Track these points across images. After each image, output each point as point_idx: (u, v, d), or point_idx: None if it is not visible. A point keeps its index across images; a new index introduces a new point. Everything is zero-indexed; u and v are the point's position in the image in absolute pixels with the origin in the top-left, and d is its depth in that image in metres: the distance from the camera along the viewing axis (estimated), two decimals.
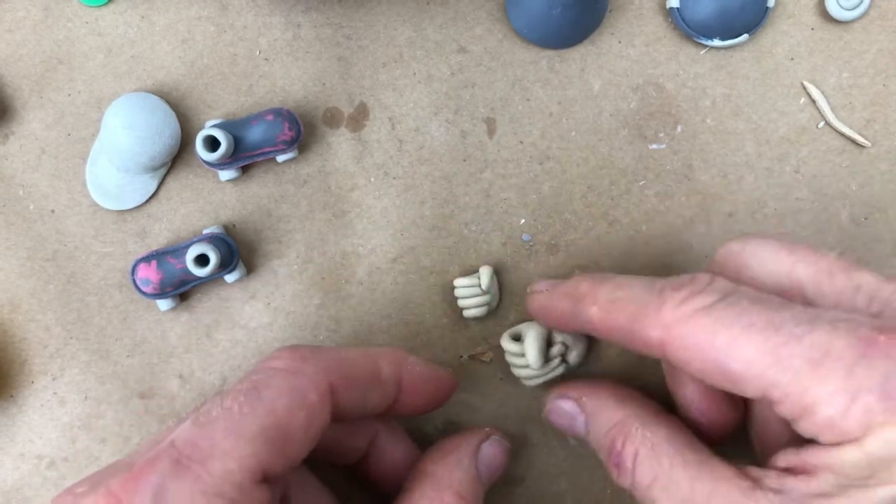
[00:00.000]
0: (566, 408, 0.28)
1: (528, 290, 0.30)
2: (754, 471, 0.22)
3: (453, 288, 0.32)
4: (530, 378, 0.31)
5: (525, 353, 0.30)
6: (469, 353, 0.33)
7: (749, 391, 0.21)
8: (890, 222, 0.33)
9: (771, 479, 0.21)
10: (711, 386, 0.22)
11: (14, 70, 0.32)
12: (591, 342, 0.32)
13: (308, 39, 0.33)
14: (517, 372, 0.31)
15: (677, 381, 0.27)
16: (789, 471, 0.21)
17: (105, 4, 0.32)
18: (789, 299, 0.22)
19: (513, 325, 0.33)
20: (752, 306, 0.21)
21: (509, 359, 0.31)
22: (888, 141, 0.33)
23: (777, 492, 0.21)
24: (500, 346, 0.33)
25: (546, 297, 0.28)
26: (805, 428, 0.20)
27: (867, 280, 0.22)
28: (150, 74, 0.33)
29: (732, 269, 0.24)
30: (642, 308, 0.23)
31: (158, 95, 0.32)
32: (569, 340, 0.31)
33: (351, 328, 0.33)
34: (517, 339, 0.31)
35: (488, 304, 0.32)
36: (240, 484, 0.21)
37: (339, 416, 0.24)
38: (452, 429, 0.33)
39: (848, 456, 0.19)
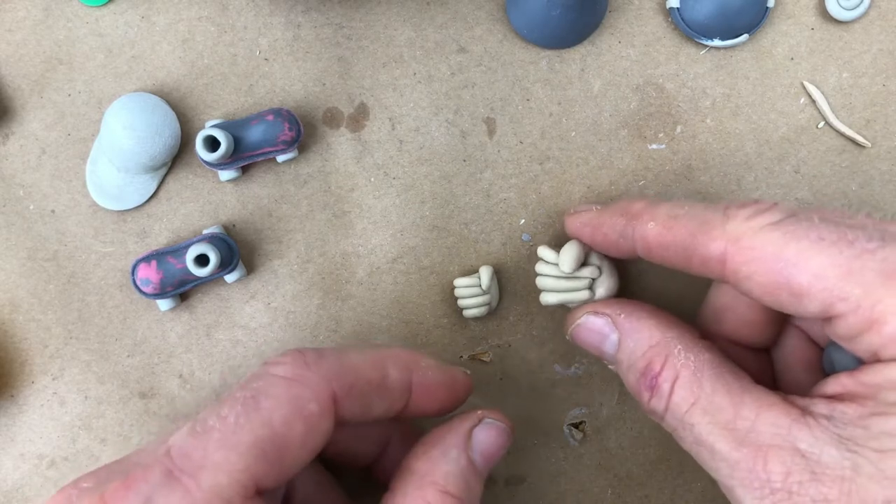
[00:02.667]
0: (598, 324, 0.27)
1: (570, 211, 0.29)
2: (800, 399, 0.22)
3: (453, 288, 0.32)
4: (554, 290, 0.29)
5: (559, 258, 0.28)
6: (469, 353, 0.33)
7: (812, 306, 0.21)
8: None
9: (819, 406, 0.21)
10: (766, 304, 0.22)
11: (14, 70, 0.32)
12: (621, 284, 0.31)
13: (308, 39, 0.33)
14: (542, 282, 0.29)
15: (720, 306, 0.26)
16: (839, 397, 0.21)
17: (105, 4, 0.32)
18: None
19: (513, 325, 0.33)
20: (823, 223, 0.21)
21: (539, 267, 0.30)
22: (888, 141, 0.33)
23: (828, 418, 0.20)
24: (500, 346, 0.33)
25: (595, 213, 0.27)
26: (869, 342, 0.20)
27: None
28: (150, 74, 0.33)
29: None
30: (705, 223, 0.23)
31: (158, 95, 0.32)
32: (605, 268, 0.29)
33: (351, 328, 0.33)
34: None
35: (488, 304, 0.32)
36: (229, 499, 0.20)
37: (344, 424, 0.24)
38: None
39: None
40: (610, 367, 0.28)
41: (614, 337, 0.27)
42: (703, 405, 0.23)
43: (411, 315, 0.33)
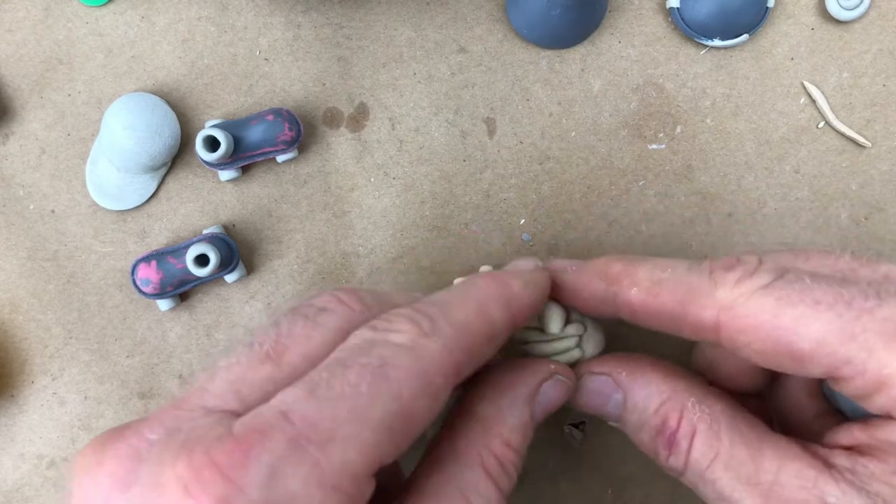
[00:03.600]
0: (598, 384, 0.26)
1: (544, 267, 0.27)
2: (819, 449, 0.21)
3: None
4: (544, 355, 0.27)
5: (545, 321, 0.27)
6: None
7: (815, 370, 0.20)
8: (890, 222, 0.33)
9: (840, 458, 0.21)
10: (766, 367, 0.21)
11: (14, 70, 0.32)
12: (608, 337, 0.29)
13: (308, 39, 0.33)
14: (530, 350, 0.27)
15: (712, 357, 0.26)
16: (856, 450, 0.21)
17: (105, 4, 0.32)
18: None
19: None
20: (815, 283, 0.21)
21: (522, 334, 0.27)
22: (888, 141, 0.33)
23: (851, 472, 0.20)
24: None
25: (574, 276, 0.26)
26: (880, 403, 0.20)
27: (893, 270, 0.22)
28: (150, 74, 0.33)
29: None
30: (692, 290, 0.22)
31: (158, 95, 0.32)
32: (588, 325, 0.27)
33: None
34: None
35: None
36: (358, 477, 0.18)
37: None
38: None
39: None
40: (612, 424, 0.27)
41: (618, 396, 0.25)
42: (723, 459, 0.22)
43: None
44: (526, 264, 0.27)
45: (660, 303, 0.23)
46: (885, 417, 0.20)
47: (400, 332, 0.21)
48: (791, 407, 0.25)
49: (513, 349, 0.28)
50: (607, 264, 0.25)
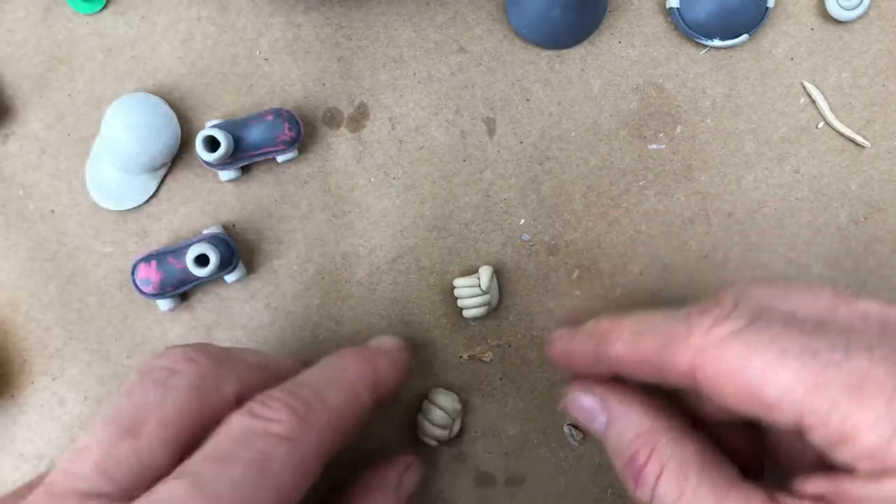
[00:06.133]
0: (588, 404, 0.27)
1: (549, 341, 0.29)
2: (784, 497, 0.21)
3: (453, 288, 0.32)
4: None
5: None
6: (469, 353, 0.33)
7: (782, 419, 0.21)
8: (889, 222, 0.33)
9: None
10: (743, 414, 0.22)
11: (14, 70, 0.32)
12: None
13: (308, 40, 0.33)
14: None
15: (697, 398, 0.26)
16: (821, 499, 0.21)
17: (100, 10, 0.32)
18: None
19: (513, 325, 0.33)
20: (785, 331, 0.21)
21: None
22: (888, 141, 0.33)
23: None
24: (500, 346, 0.33)
25: (566, 341, 0.28)
26: (843, 455, 0.20)
27: (872, 308, 0.22)
28: (150, 74, 0.33)
29: None
30: (670, 336, 0.23)
31: (158, 95, 0.32)
32: None
33: (351, 328, 0.33)
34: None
35: (488, 304, 0.32)
36: None
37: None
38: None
39: (890, 487, 0.19)
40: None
41: (602, 419, 0.27)
42: (687, 500, 0.23)
43: (411, 315, 0.33)
44: (392, 343, 0.30)
45: (640, 351, 0.24)
46: (849, 470, 0.20)
47: (279, 421, 0.22)
48: (777, 438, 0.26)
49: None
50: (596, 324, 0.26)
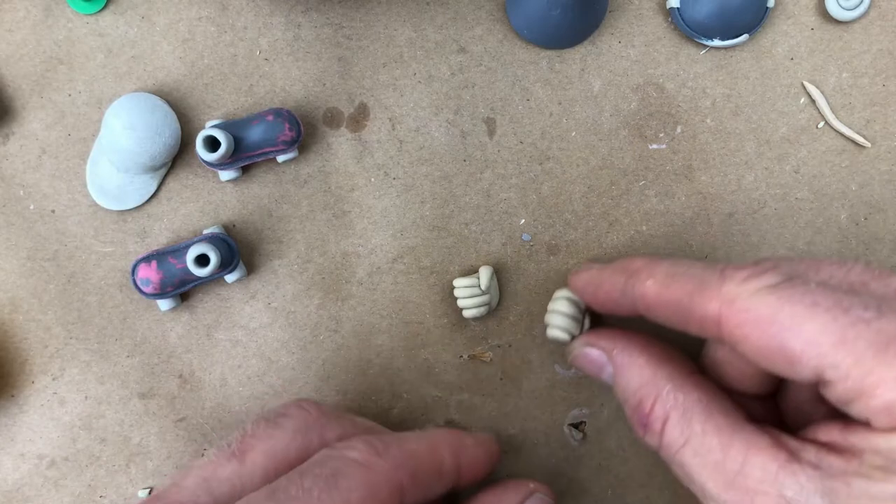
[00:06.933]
0: (594, 356, 0.28)
1: (573, 270, 0.30)
2: (791, 441, 0.22)
3: (453, 288, 0.32)
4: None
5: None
6: (469, 353, 0.33)
7: (804, 372, 0.21)
8: (889, 222, 0.33)
9: (809, 452, 0.21)
10: (762, 366, 0.22)
11: (14, 70, 0.32)
12: None
13: (308, 39, 0.33)
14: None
15: (718, 359, 0.27)
16: (829, 447, 0.21)
17: (100, 10, 0.32)
18: None
19: (513, 325, 0.33)
20: (819, 288, 0.21)
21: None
22: (888, 141, 0.33)
23: (815, 467, 0.21)
24: (500, 346, 0.33)
25: (596, 272, 0.28)
26: (859, 410, 0.20)
27: None
28: (150, 74, 0.33)
29: None
30: (702, 283, 0.23)
31: (158, 95, 0.32)
32: (587, 319, 0.30)
33: (351, 328, 0.33)
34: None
35: (488, 304, 0.32)
36: None
37: None
38: (452, 427, 0.33)
39: None
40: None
41: (610, 370, 0.28)
42: (693, 446, 0.23)
43: (411, 315, 0.33)
44: (482, 433, 0.31)
45: (671, 294, 0.24)
46: (864, 423, 0.20)
47: (355, 449, 0.24)
48: (798, 410, 0.26)
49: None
50: (631, 260, 0.27)
